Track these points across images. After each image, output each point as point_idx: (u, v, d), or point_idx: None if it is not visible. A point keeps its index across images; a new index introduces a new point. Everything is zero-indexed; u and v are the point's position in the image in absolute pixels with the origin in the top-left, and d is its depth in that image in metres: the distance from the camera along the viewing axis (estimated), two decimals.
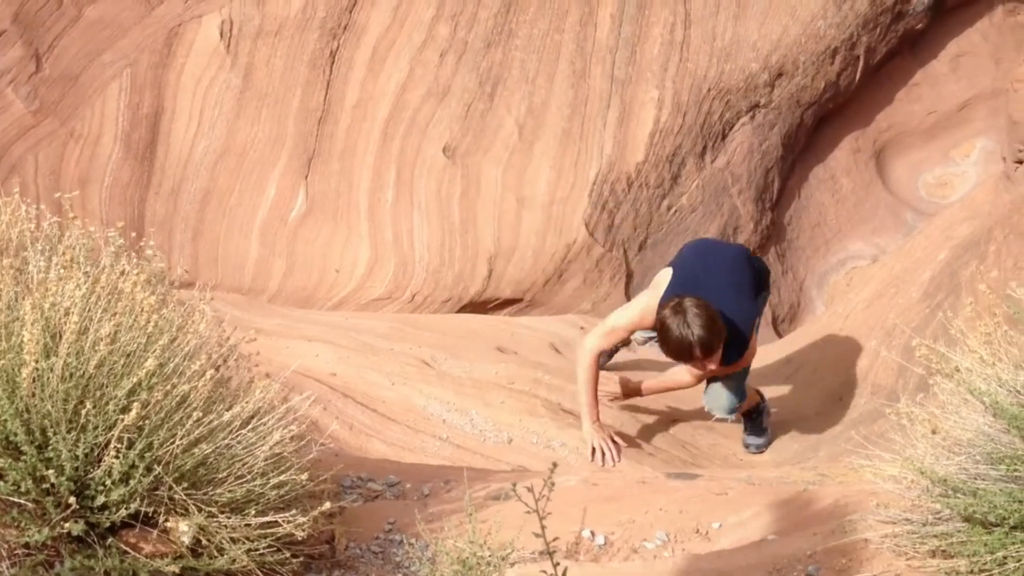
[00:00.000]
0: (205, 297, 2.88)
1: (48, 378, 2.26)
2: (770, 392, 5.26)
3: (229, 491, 2.42)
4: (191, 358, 2.51)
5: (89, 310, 2.41)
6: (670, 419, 5.04)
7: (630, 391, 4.84)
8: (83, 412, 2.26)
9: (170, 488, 2.32)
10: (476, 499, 3.06)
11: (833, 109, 8.28)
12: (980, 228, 5.47)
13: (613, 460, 4.30)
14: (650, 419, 4.96)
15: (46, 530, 2.20)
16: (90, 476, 2.29)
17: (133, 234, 2.98)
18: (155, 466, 2.31)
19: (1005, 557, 2.24)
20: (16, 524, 2.22)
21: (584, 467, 4.24)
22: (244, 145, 7.34)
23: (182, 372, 2.46)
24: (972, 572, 2.31)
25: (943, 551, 2.41)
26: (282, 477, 2.50)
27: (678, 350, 4.15)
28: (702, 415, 5.06)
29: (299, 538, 2.47)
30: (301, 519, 2.44)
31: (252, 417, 2.55)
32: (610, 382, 4.84)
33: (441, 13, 7.50)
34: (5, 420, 2.25)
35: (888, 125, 8.52)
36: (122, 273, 2.61)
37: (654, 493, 3.28)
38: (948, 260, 5.61)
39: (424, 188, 7.20)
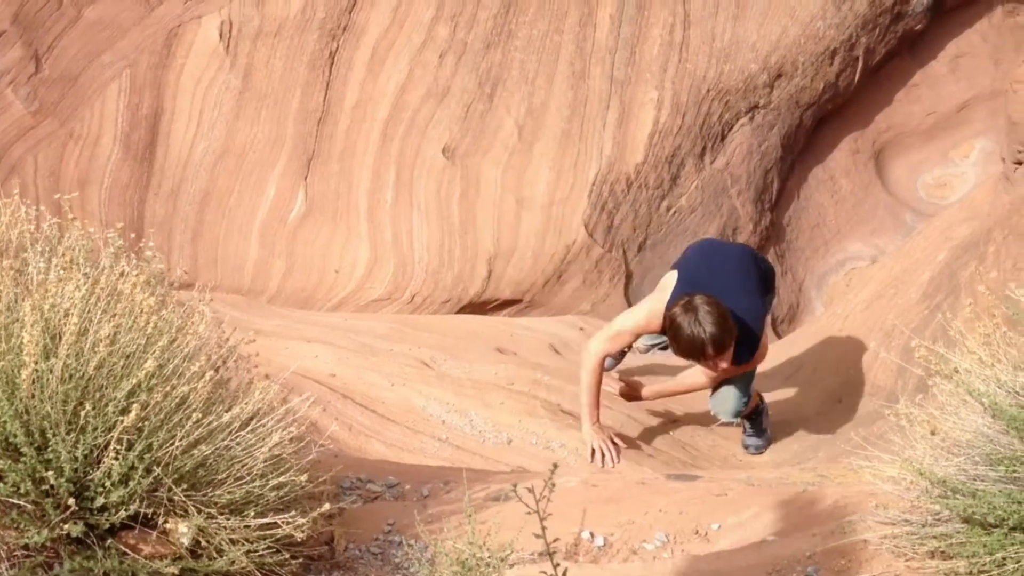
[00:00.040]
0: (204, 298, 2.88)
1: (48, 379, 2.26)
2: (770, 393, 5.26)
3: (228, 492, 2.42)
4: (190, 359, 2.51)
5: (89, 311, 2.41)
6: (670, 420, 5.04)
7: (630, 395, 4.81)
8: (82, 413, 2.26)
9: (169, 489, 2.32)
10: (475, 500, 3.06)
11: (832, 110, 8.28)
12: (979, 229, 5.47)
13: (613, 461, 4.29)
14: (650, 421, 4.96)
15: (45, 531, 2.20)
16: (89, 477, 2.29)
17: (132, 235, 2.98)
18: (154, 467, 2.31)
19: (1004, 558, 2.25)
20: (15, 525, 2.22)
21: (584, 468, 4.23)
22: (243, 146, 7.34)
23: (181, 373, 2.46)
24: (971, 573, 2.31)
25: (942, 552, 2.42)
26: (281, 478, 2.50)
27: (690, 349, 4.11)
28: (701, 416, 5.06)
29: (298, 539, 2.47)
30: (300, 520, 2.44)
31: (251, 418, 2.55)
32: (611, 383, 4.83)
33: (440, 14, 7.51)
34: (5, 421, 2.25)
35: (887, 126, 8.52)
36: (121, 274, 2.61)
37: (654, 494, 3.28)
38: (947, 261, 5.61)
39: (423, 189, 7.20)
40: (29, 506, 2.24)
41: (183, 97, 7.37)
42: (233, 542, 2.36)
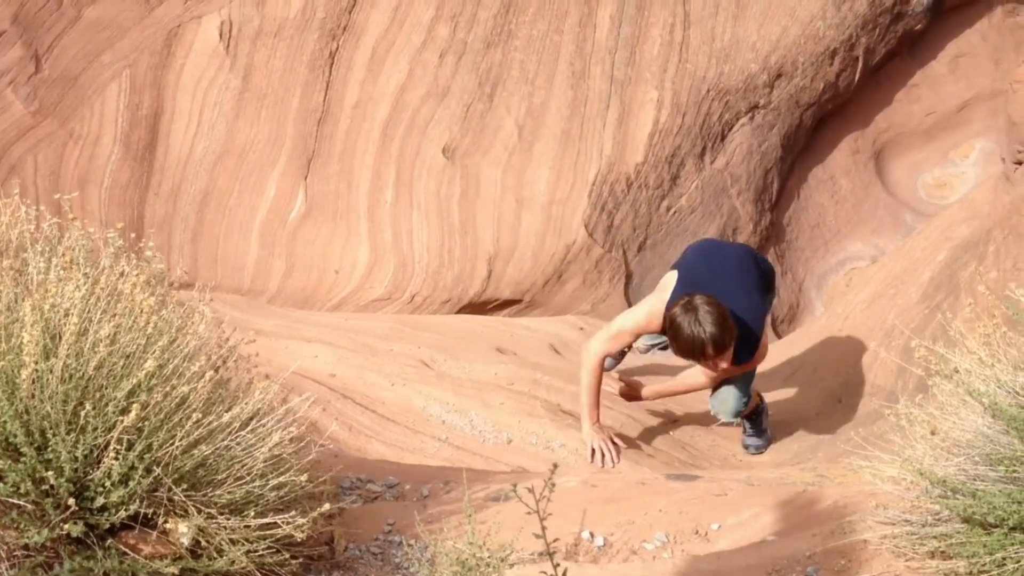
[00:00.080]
0: (204, 298, 2.88)
1: (48, 379, 2.26)
2: (769, 393, 5.26)
3: (228, 492, 2.42)
4: (190, 359, 2.52)
5: (89, 311, 2.41)
6: (670, 420, 5.04)
7: (630, 395, 4.81)
8: (82, 413, 2.26)
9: (169, 489, 2.32)
10: (475, 500, 3.06)
11: (832, 110, 8.28)
12: (979, 229, 5.47)
13: (612, 461, 4.29)
14: (649, 421, 4.96)
15: (45, 531, 2.20)
16: (89, 477, 2.29)
17: (132, 235, 2.98)
18: (154, 467, 2.31)
19: (1004, 558, 2.25)
20: (15, 525, 2.22)
21: (583, 468, 4.23)
22: (243, 146, 7.34)
23: (181, 373, 2.46)
24: (971, 573, 2.31)
25: (942, 552, 2.42)
26: (281, 478, 2.50)
27: (690, 349, 4.10)
28: (701, 416, 5.06)
29: (298, 539, 2.47)
30: (300, 520, 2.44)
31: (251, 418, 2.55)
32: (611, 383, 4.83)
33: (440, 14, 7.50)
34: (5, 421, 2.25)
35: (887, 126, 8.52)
36: (121, 274, 2.61)
37: (653, 494, 3.28)
38: (947, 261, 5.62)
39: (423, 189, 7.20)
40: (29, 506, 2.24)
41: (183, 97, 7.37)
42: (233, 542, 2.37)
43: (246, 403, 2.55)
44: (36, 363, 2.24)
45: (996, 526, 2.29)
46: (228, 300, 6.32)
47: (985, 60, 8.45)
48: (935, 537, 2.43)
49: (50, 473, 2.22)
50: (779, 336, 7.30)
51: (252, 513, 2.42)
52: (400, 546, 2.81)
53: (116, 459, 2.26)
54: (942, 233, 6.21)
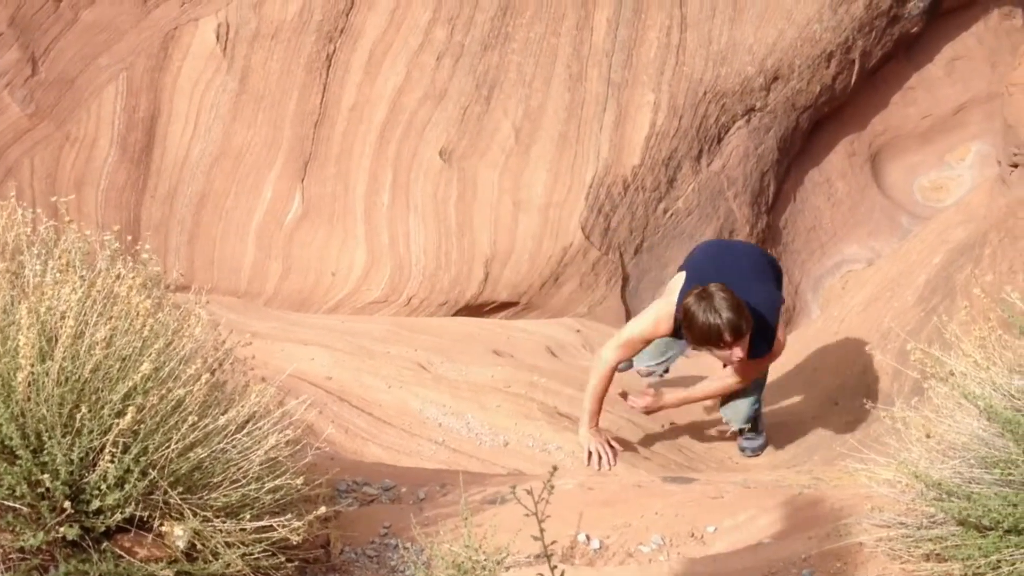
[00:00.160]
0: (201, 300, 2.88)
1: (43, 382, 2.26)
2: (766, 396, 5.26)
3: (224, 495, 2.42)
4: (187, 362, 2.52)
5: (85, 314, 2.41)
6: (666, 424, 5.04)
7: (653, 407, 4.62)
8: (78, 416, 2.26)
9: (165, 492, 2.32)
10: (472, 503, 3.06)
11: (829, 112, 8.29)
12: (975, 232, 5.48)
13: (609, 464, 4.29)
14: (646, 424, 4.96)
15: (41, 534, 2.20)
16: (85, 480, 2.28)
17: (129, 237, 2.98)
18: (150, 470, 2.31)
19: (999, 561, 2.25)
20: (11, 528, 2.22)
21: (580, 471, 4.23)
22: (240, 148, 7.34)
23: (177, 376, 2.46)
24: None
25: (937, 555, 2.42)
26: (277, 481, 2.50)
27: (706, 336, 4.00)
28: (697, 419, 5.06)
29: (294, 542, 2.47)
30: (296, 523, 2.44)
31: (247, 421, 2.55)
32: (637, 400, 4.61)
33: (438, 16, 7.51)
34: (0, 424, 2.24)
35: (883, 129, 8.54)
36: (118, 277, 2.61)
37: (650, 497, 3.28)
38: (943, 264, 5.63)
39: (420, 191, 7.20)
40: (24, 509, 2.24)
41: (180, 99, 7.36)
42: (229, 545, 2.36)
43: (242, 406, 2.55)
44: (32, 366, 2.24)
45: (991, 529, 2.29)
46: (224, 302, 6.32)
47: (981, 63, 8.47)
48: (930, 540, 2.43)
49: (46, 476, 2.21)
50: None
51: (248, 516, 2.42)
52: (396, 549, 2.81)
53: (112, 462, 2.26)
54: (938, 236, 6.22)
